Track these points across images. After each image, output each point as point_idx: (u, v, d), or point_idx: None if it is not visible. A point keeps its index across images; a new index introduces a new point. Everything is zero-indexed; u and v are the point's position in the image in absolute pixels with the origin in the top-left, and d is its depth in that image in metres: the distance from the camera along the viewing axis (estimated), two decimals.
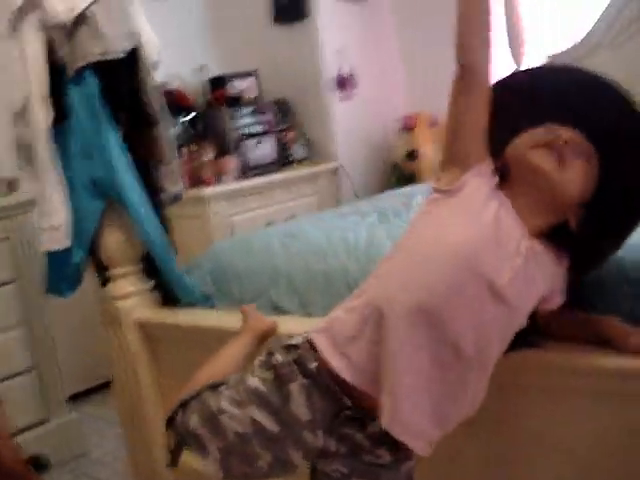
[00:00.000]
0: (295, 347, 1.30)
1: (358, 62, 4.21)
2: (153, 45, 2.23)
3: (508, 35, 3.82)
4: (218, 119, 3.78)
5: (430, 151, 4.02)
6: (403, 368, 1.16)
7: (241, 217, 3.63)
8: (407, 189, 3.13)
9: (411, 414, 1.18)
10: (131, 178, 2.07)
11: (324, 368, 1.24)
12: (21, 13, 2.03)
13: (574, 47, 3.85)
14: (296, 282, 1.93)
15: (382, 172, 4.33)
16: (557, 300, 1.33)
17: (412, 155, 3.97)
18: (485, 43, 1.30)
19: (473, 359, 1.19)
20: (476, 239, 1.21)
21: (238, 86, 3.87)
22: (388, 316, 1.18)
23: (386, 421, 1.18)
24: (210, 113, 3.87)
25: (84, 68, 2.03)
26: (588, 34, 3.79)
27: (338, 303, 1.36)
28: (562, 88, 1.41)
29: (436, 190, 1.33)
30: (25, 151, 2.15)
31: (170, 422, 1.38)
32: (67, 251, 2.11)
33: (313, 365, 1.26)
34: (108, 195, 2.08)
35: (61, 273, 2.16)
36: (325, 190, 4.07)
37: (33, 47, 2.03)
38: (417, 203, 2.39)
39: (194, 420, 1.33)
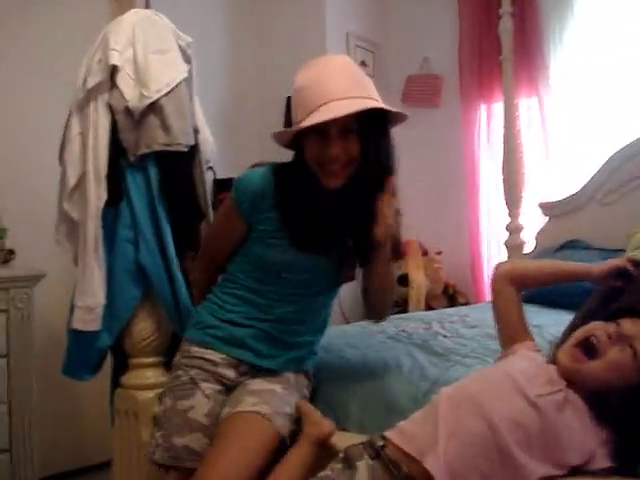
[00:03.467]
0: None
1: None
2: (209, 143, 2.29)
3: (504, 177, 3.99)
4: None
5: (420, 278, 4.10)
6: None
7: None
8: (414, 314, 3.16)
9: None
10: (177, 271, 2.06)
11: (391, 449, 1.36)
12: (92, 92, 2.06)
13: (567, 199, 4.05)
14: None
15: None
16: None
17: (404, 280, 4.03)
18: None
19: None
20: None
21: None
22: None
23: None
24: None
25: (146, 156, 2.06)
26: (582, 189, 4.00)
27: None
28: None
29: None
30: (67, 227, 2.14)
31: None
32: (94, 334, 2.07)
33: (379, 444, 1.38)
34: (148, 284, 2.06)
35: (83, 356, 2.10)
36: None
37: (98, 127, 2.05)
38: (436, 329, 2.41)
39: None
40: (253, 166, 1.99)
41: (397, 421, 1.69)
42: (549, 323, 2.46)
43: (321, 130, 1.67)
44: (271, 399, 1.74)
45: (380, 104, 1.69)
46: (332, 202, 1.77)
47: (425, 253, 4.38)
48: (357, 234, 1.80)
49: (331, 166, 1.69)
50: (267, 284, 1.84)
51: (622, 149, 3.91)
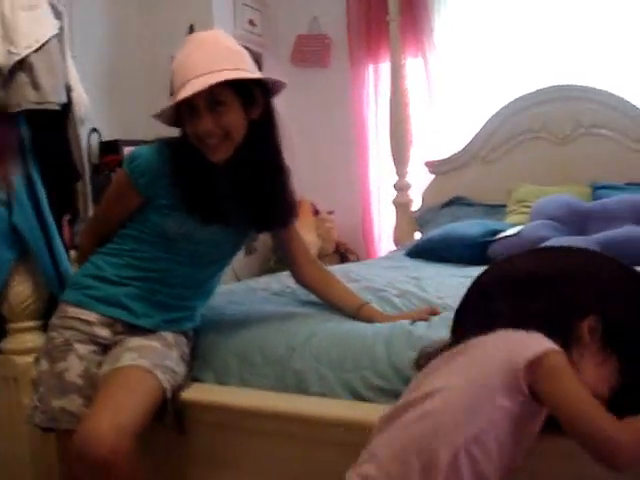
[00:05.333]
0: None
1: None
2: (83, 101, 2.23)
3: (392, 136, 4.07)
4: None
5: (312, 238, 4.15)
6: None
7: None
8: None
9: None
10: (55, 232, 2.02)
11: None
12: None
13: (452, 157, 4.18)
14: None
15: (261, 255, 4.40)
16: None
17: None
18: None
19: None
20: None
21: None
22: None
23: None
24: (96, 178, 3.79)
25: (17, 115, 1.99)
26: (466, 147, 4.13)
27: None
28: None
29: None
30: None
31: None
32: None
33: None
34: (24, 247, 2.01)
35: None
36: None
37: None
38: None
39: None
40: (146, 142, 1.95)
41: (276, 371, 1.74)
42: (428, 275, 2.55)
43: (193, 106, 1.70)
44: (150, 354, 1.74)
45: (243, 74, 1.72)
46: (227, 173, 1.81)
47: (316, 213, 4.43)
48: (254, 204, 1.84)
49: (208, 140, 1.72)
50: (160, 251, 1.84)
51: (502, 108, 4.06)
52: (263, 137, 1.82)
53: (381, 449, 1.23)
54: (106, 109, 4.10)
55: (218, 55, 1.73)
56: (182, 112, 1.74)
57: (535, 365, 1.17)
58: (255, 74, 1.77)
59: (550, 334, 1.26)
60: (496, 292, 1.43)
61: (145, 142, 3.87)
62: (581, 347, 1.28)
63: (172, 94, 1.75)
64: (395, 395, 1.56)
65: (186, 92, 1.66)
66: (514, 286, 1.41)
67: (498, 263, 1.57)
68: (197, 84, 1.66)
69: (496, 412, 1.17)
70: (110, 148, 3.87)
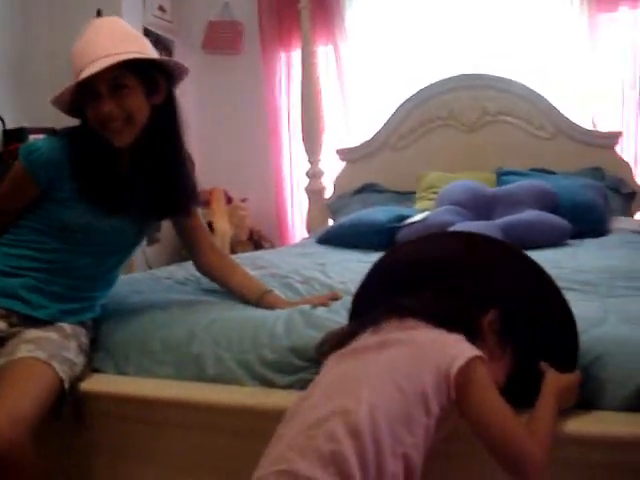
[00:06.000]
0: None
1: None
2: None
3: (304, 124, 4.09)
4: None
5: (225, 225, 4.14)
6: None
7: None
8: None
9: None
10: None
11: None
12: None
13: (363, 145, 4.23)
14: None
15: (171, 244, 4.36)
16: None
17: (208, 228, 4.04)
18: None
19: None
20: None
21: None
22: None
23: None
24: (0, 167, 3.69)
25: None
26: (376, 135, 4.19)
27: None
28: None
29: None
30: None
31: None
32: None
33: None
34: None
35: None
36: None
37: None
38: None
39: None
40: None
41: (175, 358, 1.74)
42: (335, 261, 2.59)
43: (94, 90, 1.69)
44: (47, 345, 1.71)
45: (143, 55, 1.72)
46: (129, 161, 1.80)
47: (229, 201, 4.42)
48: (156, 192, 1.83)
49: (111, 124, 1.71)
50: (58, 242, 1.80)
51: (411, 96, 4.13)
52: (165, 123, 1.82)
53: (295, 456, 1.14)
54: (10, 95, 3.99)
55: (118, 38, 1.72)
56: (83, 97, 1.72)
57: (463, 374, 1.19)
58: (154, 56, 1.77)
59: (453, 323, 1.29)
60: (399, 275, 1.44)
61: (52, 130, 3.84)
62: (483, 341, 1.31)
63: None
64: (292, 371, 1.58)
65: (84, 75, 1.65)
66: (418, 269, 1.42)
67: (399, 246, 1.60)
68: (97, 65, 1.64)
69: (430, 418, 1.18)
70: (15, 136, 3.76)
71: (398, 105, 4.15)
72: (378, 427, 1.13)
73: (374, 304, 1.41)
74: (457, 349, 1.23)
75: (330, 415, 1.15)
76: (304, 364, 1.57)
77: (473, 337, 1.29)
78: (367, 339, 1.33)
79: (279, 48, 4.57)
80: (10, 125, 3.83)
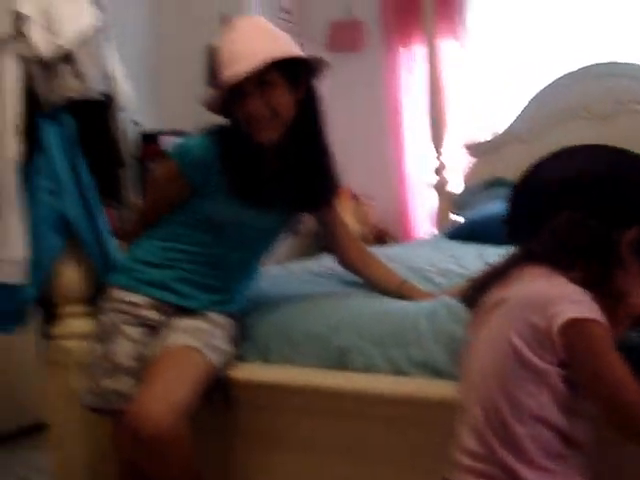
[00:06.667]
0: None
1: None
2: (125, 91, 2.28)
3: (430, 119, 4.06)
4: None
5: (351, 222, 4.16)
6: None
7: None
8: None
9: None
10: (101, 218, 2.07)
11: None
12: (1, 44, 2.03)
13: (492, 139, 4.16)
14: None
15: (300, 239, 4.42)
16: None
17: None
18: None
19: None
20: None
21: (171, 143, 3.89)
22: None
23: None
24: (137, 168, 3.85)
25: (61, 106, 2.04)
26: (507, 128, 4.11)
27: None
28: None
29: None
30: None
31: None
32: (18, 286, 2.06)
33: None
34: (72, 233, 2.06)
35: (8, 308, 2.10)
36: None
37: (10, 78, 2.02)
38: None
39: None
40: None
41: (317, 349, 1.77)
42: (470, 255, 2.56)
43: (241, 89, 1.74)
44: (200, 334, 1.78)
45: (290, 53, 1.76)
46: (275, 156, 1.85)
47: (354, 198, 4.45)
48: (300, 185, 1.88)
49: (257, 121, 1.77)
50: (206, 235, 1.88)
51: (543, 89, 4.03)
52: (309, 118, 1.86)
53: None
54: (145, 101, 4.15)
55: (260, 38, 1.76)
56: (231, 98, 1.78)
57: (565, 334, 1.17)
58: (298, 53, 1.80)
59: (580, 255, 1.26)
60: (543, 197, 1.41)
61: (184, 133, 3.98)
62: (622, 266, 1.28)
63: (215, 81, 1.79)
64: (438, 372, 1.58)
65: (233, 77, 1.70)
66: (562, 188, 1.38)
67: (542, 164, 1.51)
68: (242, 67, 1.69)
69: (541, 376, 1.19)
70: (150, 139, 3.93)
71: (530, 98, 4.06)
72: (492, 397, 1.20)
73: (524, 228, 1.40)
74: (558, 308, 1.19)
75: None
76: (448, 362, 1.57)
77: (609, 262, 1.26)
78: (491, 296, 1.34)
79: (400, 44, 4.56)
80: (145, 129, 4.00)
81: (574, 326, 1.17)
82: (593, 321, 1.18)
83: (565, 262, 1.28)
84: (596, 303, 1.21)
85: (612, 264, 1.27)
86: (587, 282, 1.25)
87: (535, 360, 1.18)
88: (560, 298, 1.21)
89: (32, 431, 3.19)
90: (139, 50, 4.19)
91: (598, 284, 1.25)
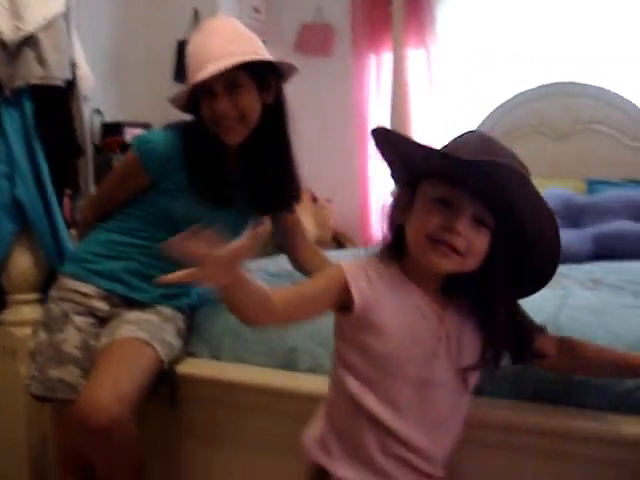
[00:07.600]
0: None
1: None
2: (87, 79, 2.27)
3: (392, 127, 4.09)
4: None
5: (309, 225, 4.18)
6: None
7: None
8: None
9: None
10: (56, 206, 2.06)
11: None
12: None
13: None
14: None
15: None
16: None
17: None
18: None
19: None
20: None
21: (134, 135, 3.86)
22: None
23: None
24: (98, 158, 3.81)
25: (22, 90, 2.02)
26: None
27: None
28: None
29: None
30: None
31: None
32: None
33: None
34: (25, 219, 2.05)
35: None
36: None
37: None
38: None
39: None
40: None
41: (267, 348, 1.78)
42: None
43: (210, 89, 1.74)
44: (148, 327, 1.78)
45: (260, 57, 1.77)
46: (238, 157, 1.86)
47: (314, 200, 4.46)
48: (261, 188, 1.89)
49: (224, 122, 1.77)
50: (161, 231, 1.85)
51: (503, 103, 4.10)
52: (275, 122, 1.87)
53: None
54: (109, 90, 4.12)
55: (233, 39, 1.77)
56: (198, 96, 1.78)
57: None
58: (270, 57, 1.81)
59: None
60: None
61: (148, 125, 3.96)
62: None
63: (184, 78, 1.79)
64: None
65: (204, 74, 1.70)
66: None
67: None
68: (214, 67, 1.70)
69: None
70: (112, 129, 3.89)
71: (489, 111, 4.12)
72: None
73: None
74: None
75: None
76: None
77: None
78: None
79: (370, 50, 4.59)
80: (108, 119, 3.96)
81: None
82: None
83: None
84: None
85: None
86: None
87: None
88: None
89: None
90: (106, 40, 4.15)
91: None
